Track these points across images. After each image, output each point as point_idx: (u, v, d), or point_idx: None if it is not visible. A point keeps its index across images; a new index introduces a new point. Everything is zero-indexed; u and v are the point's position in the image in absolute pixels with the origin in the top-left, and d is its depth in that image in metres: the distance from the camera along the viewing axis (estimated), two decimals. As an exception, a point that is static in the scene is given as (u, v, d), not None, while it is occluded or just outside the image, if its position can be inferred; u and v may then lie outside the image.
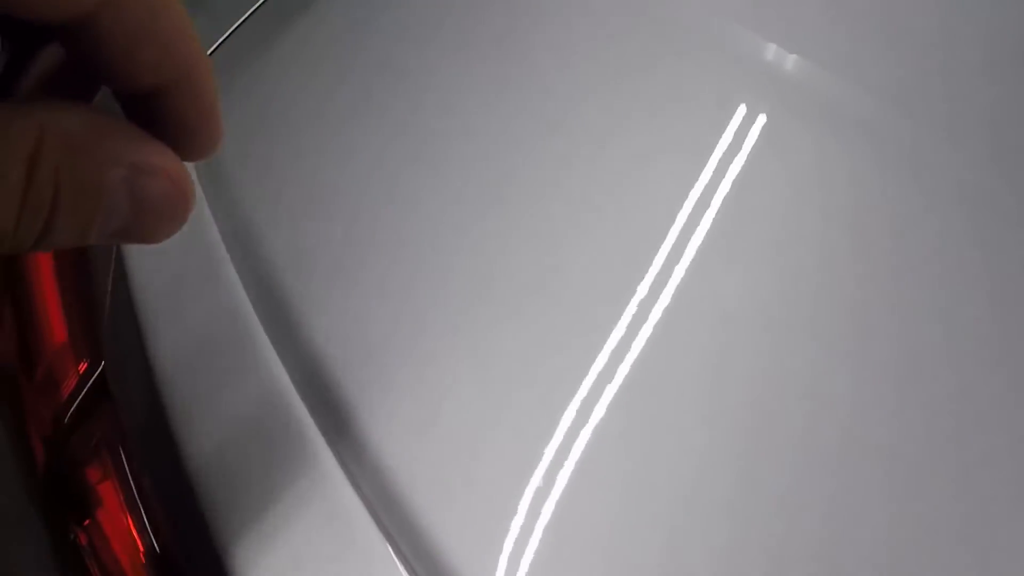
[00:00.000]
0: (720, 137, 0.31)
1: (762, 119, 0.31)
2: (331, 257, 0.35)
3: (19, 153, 0.17)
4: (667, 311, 0.29)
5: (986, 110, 0.31)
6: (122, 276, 0.37)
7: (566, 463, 0.27)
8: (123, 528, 0.40)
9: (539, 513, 0.26)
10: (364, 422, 0.29)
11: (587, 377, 0.28)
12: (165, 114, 0.21)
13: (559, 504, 0.26)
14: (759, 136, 0.31)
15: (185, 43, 0.20)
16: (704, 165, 0.31)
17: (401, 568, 0.27)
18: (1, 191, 0.16)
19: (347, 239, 0.35)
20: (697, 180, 0.31)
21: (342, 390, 0.30)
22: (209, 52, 0.48)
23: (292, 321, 0.33)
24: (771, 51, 0.32)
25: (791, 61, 0.32)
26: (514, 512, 0.26)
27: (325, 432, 0.30)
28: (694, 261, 0.29)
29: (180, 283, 0.35)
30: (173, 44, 0.20)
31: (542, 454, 0.27)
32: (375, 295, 0.33)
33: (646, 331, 0.28)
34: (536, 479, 0.27)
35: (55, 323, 0.46)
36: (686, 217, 0.30)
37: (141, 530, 0.42)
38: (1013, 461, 0.25)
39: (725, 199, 0.30)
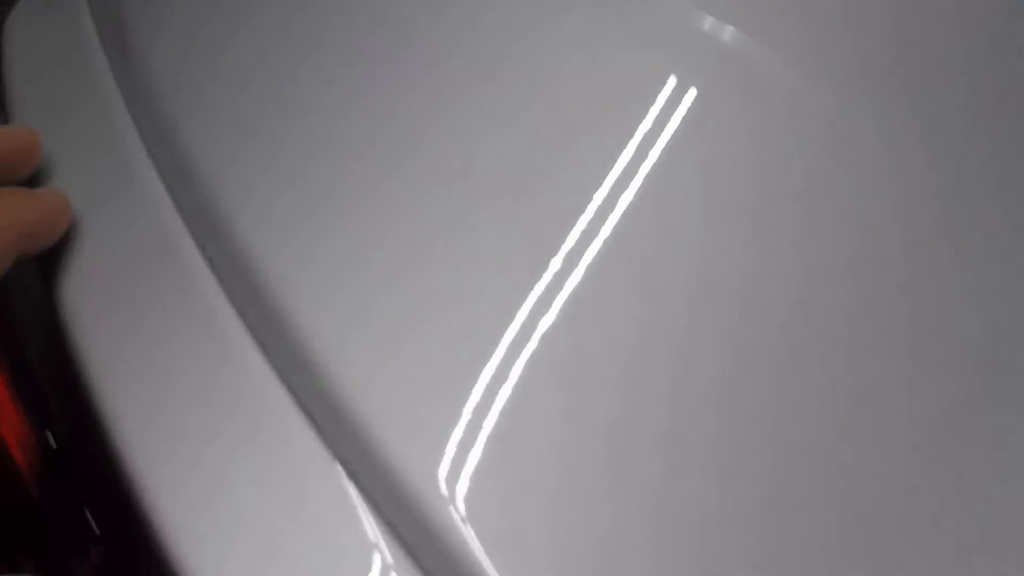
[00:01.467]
0: (648, 109, 0.30)
1: (693, 92, 0.30)
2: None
3: None
4: (579, 287, 0.28)
5: (942, 105, 0.30)
6: None
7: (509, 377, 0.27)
8: (16, 424, 0.40)
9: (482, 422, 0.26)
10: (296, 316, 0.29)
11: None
12: None
13: (503, 413, 0.26)
14: (688, 110, 0.29)
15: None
16: (629, 138, 0.29)
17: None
18: None
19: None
20: (621, 153, 0.29)
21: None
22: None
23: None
24: (708, 22, 0.30)
25: (728, 33, 0.30)
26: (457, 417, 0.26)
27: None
28: (614, 232, 0.29)
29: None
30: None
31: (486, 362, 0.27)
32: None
33: (560, 299, 0.28)
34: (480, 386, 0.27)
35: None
36: (607, 191, 0.29)
37: (36, 425, 0.41)
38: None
39: (648, 175, 0.29)
